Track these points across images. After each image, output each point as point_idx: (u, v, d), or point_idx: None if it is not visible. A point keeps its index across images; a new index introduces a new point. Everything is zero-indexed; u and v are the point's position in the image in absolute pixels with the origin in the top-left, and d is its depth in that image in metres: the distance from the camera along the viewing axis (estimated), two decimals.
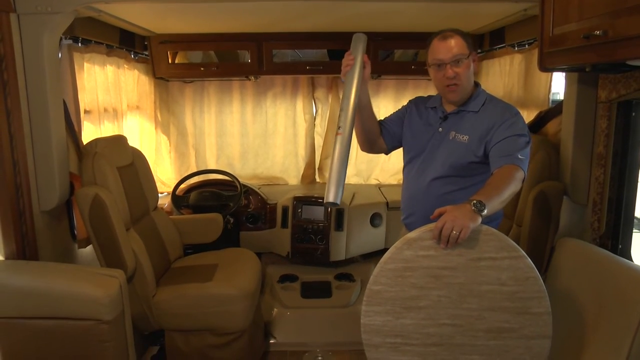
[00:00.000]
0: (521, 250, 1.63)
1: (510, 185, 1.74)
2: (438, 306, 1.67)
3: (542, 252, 2.28)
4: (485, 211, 1.61)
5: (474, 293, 1.65)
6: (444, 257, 1.64)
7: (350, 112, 1.96)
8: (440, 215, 1.65)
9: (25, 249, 2.18)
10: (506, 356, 1.68)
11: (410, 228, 2.07)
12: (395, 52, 3.96)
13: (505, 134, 1.91)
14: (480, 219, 1.60)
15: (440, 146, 2.07)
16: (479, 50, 3.64)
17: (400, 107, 2.32)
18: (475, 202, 1.62)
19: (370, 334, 1.73)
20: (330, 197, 1.85)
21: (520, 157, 1.85)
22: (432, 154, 2.10)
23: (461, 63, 1.99)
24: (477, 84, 2.11)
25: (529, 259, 1.63)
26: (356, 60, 2.04)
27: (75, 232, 2.59)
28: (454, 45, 2.00)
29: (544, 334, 1.65)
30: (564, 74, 2.40)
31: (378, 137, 2.27)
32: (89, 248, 2.63)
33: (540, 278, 1.64)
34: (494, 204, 1.66)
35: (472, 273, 1.64)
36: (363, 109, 2.12)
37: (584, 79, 2.22)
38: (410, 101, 2.29)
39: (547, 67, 2.04)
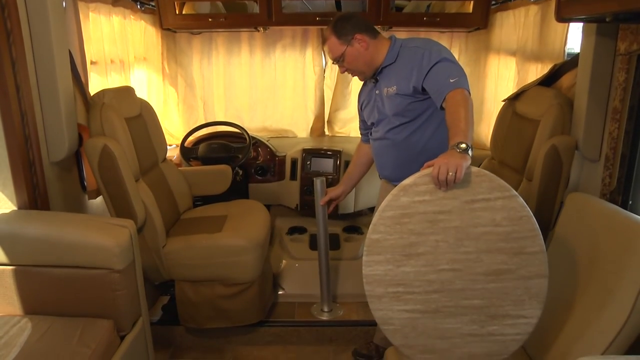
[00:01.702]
0: (513, 189, 1.63)
1: (467, 111, 1.87)
2: (436, 251, 1.68)
3: (551, 207, 2.27)
4: (468, 147, 1.67)
5: (470, 236, 1.66)
6: (439, 202, 1.65)
7: (322, 239, 2.90)
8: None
9: (36, 200, 2.20)
10: (505, 298, 1.69)
11: (388, 179, 2.44)
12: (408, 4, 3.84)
13: (426, 69, 2.09)
14: (469, 158, 1.64)
15: (383, 104, 2.31)
16: (493, 2, 3.51)
17: None
18: (454, 145, 1.68)
19: (372, 285, 1.74)
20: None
21: (451, 80, 2.00)
22: (380, 114, 2.35)
23: (343, 59, 2.25)
24: (391, 38, 2.28)
25: (521, 198, 1.63)
26: (317, 204, 2.79)
27: (85, 184, 2.61)
28: (328, 50, 2.30)
29: (540, 273, 1.66)
30: (580, 26, 2.32)
31: None
32: (99, 199, 2.66)
33: (533, 217, 1.64)
34: (469, 134, 1.76)
35: (467, 215, 1.65)
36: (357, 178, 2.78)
37: (602, 30, 2.14)
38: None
39: (564, 17, 1.97)
